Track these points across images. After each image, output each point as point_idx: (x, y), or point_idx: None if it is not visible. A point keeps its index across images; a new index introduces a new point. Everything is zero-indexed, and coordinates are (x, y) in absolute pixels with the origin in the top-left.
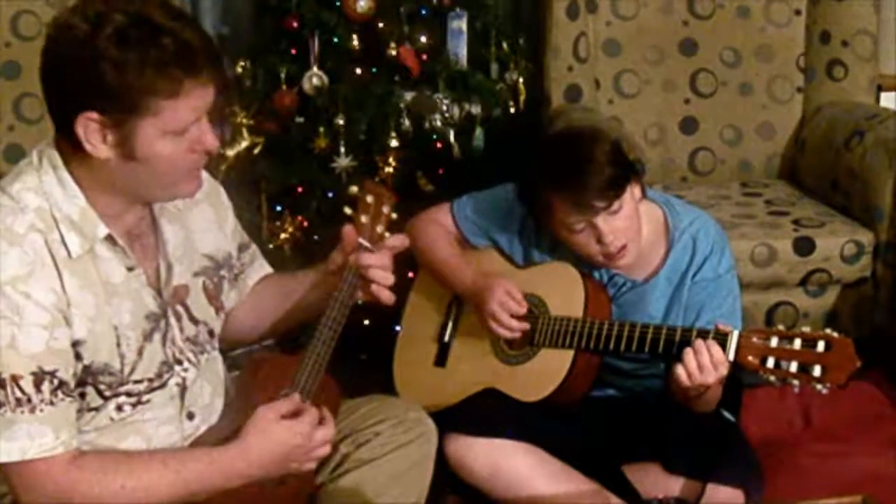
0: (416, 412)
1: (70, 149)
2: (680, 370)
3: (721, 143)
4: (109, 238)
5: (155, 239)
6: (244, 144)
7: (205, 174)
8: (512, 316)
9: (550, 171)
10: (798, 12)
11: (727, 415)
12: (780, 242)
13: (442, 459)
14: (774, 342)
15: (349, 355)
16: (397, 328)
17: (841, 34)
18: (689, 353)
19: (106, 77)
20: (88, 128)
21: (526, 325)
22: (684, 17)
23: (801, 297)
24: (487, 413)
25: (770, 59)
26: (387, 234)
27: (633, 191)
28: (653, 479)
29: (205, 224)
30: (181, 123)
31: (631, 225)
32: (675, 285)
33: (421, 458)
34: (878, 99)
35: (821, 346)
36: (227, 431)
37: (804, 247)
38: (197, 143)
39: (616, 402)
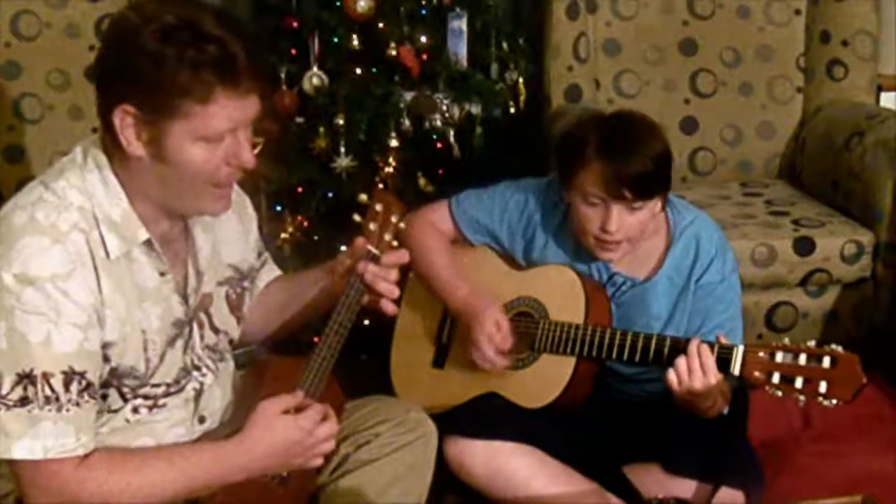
0: (417, 413)
1: (113, 147)
2: (670, 374)
3: (721, 143)
4: (147, 242)
5: (186, 246)
6: None
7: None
8: (496, 350)
9: (609, 134)
10: (798, 12)
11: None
12: (780, 242)
13: (442, 461)
14: (780, 357)
15: (349, 355)
16: None
17: (841, 34)
18: (681, 357)
19: (143, 70)
20: (124, 121)
21: (507, 363)
22: (684, 17)
23: (801, 297)
24: (487, 415)
25: (770, 59)
26: (394, 243)
27: (657, 201)
28: (653, 480)
29: (231, 234)
30: (214, 131)
31: (637, 228)
32: (679, 287)
33: (421, 458)
34: (878, 99)
35: (826, 361)
36: (232, 432)
37: (804, 247)
38: (232, 156)
39: (616, 404)
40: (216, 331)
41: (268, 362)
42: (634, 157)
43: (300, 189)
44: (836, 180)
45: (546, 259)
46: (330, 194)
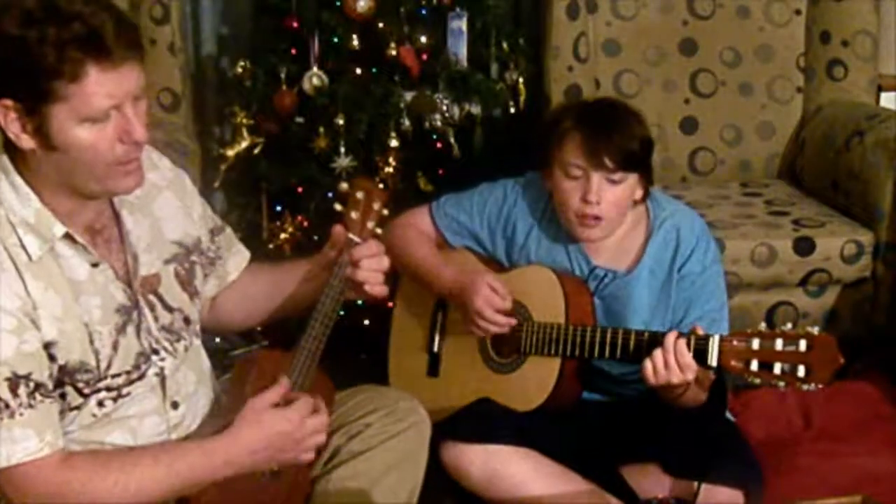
0: (408, 401)
1: (12, 148)
2: (647, 365)
3: (721, 143)
4: (68, 236)
5: (119, 231)
6: (244, 144)
7: (167, 162)
8: (498, 311)
9: (588, 108)
10: (798, 12)
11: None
12: (780, 242)
13: (439, 466)
14: (756, 344)
15: (349, 355)
16: None
17: (841, 34)
18: (657, 351)
19: (9, 59)
20: (7, 116)
21: (513, 320)
22: (684, 17)
23: (801, 297)
24: (483, 419)
25: (770, 59)
26: (378, 231)
27: (636, 183)
28: (652, 480)
29: (170, 211)
30: (96, 110)
31: (616, 204)
32: (661, 279)
33: (414, 447)
34: (878, 99)
35: (802, 345)
36: (220, 428)
37: (804, 247)
38: (124, 133)
39: (613, 404)
40: (170, 310)
41: (256, 357)
42: (613, 126)
43: (300, 189)
44: (836, 180)
45: (528, 255)
46: (330, 194)
